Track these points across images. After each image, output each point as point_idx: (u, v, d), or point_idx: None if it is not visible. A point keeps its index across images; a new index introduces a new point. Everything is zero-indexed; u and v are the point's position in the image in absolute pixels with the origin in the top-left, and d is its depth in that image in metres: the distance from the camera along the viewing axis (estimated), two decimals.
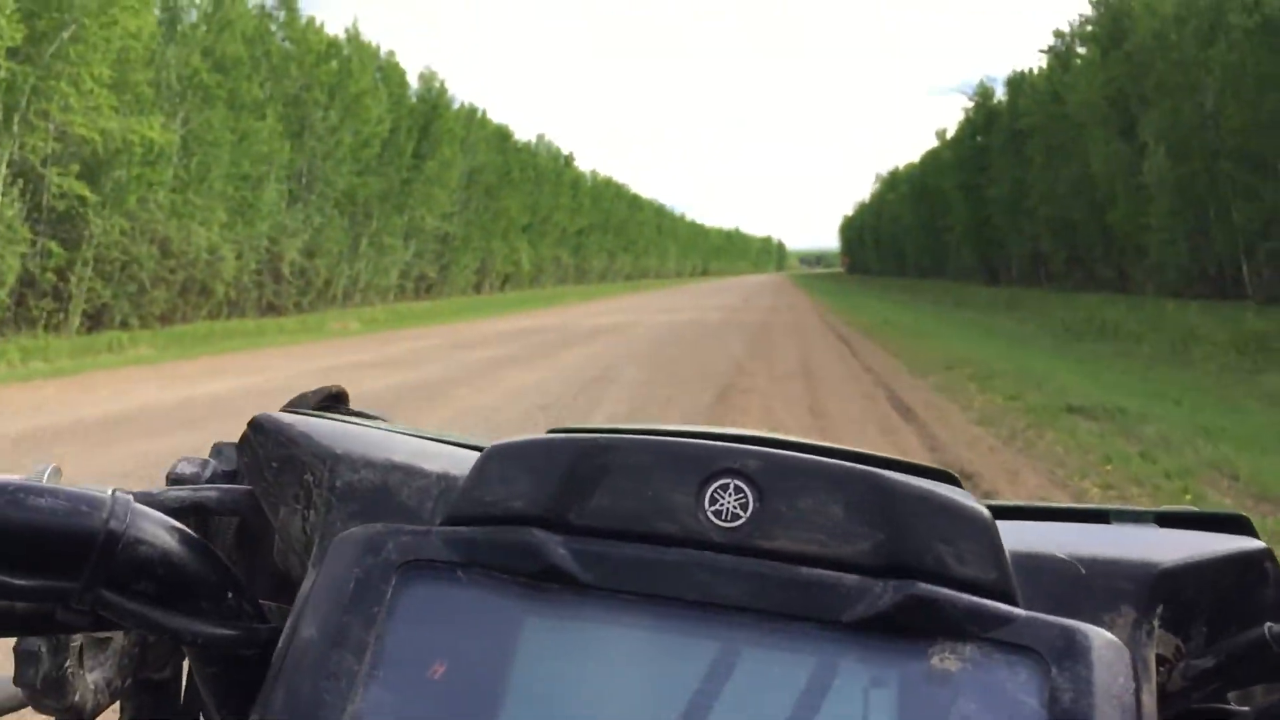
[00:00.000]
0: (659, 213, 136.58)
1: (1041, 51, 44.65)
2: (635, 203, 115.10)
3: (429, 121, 44.44)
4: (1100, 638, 0.50)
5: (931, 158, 73.45)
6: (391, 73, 42.95)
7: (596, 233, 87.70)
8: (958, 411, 9.89)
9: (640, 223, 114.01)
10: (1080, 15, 40.02)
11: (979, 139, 53.95)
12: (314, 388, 0.84)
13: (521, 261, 64.95)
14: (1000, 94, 52.90)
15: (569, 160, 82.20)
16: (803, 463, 0.55)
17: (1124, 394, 10.84)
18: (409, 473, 0.61)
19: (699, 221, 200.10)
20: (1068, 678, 0.49)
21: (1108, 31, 33.99)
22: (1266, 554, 0.57)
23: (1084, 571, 0.53)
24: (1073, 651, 0.49)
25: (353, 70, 36.76)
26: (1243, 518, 0.64)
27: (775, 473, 0.54)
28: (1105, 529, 0.64)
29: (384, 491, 0.60)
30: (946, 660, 0.50)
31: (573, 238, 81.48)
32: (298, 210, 33.66)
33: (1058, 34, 42.57)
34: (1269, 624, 0.53)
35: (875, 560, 0.52)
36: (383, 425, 0.73)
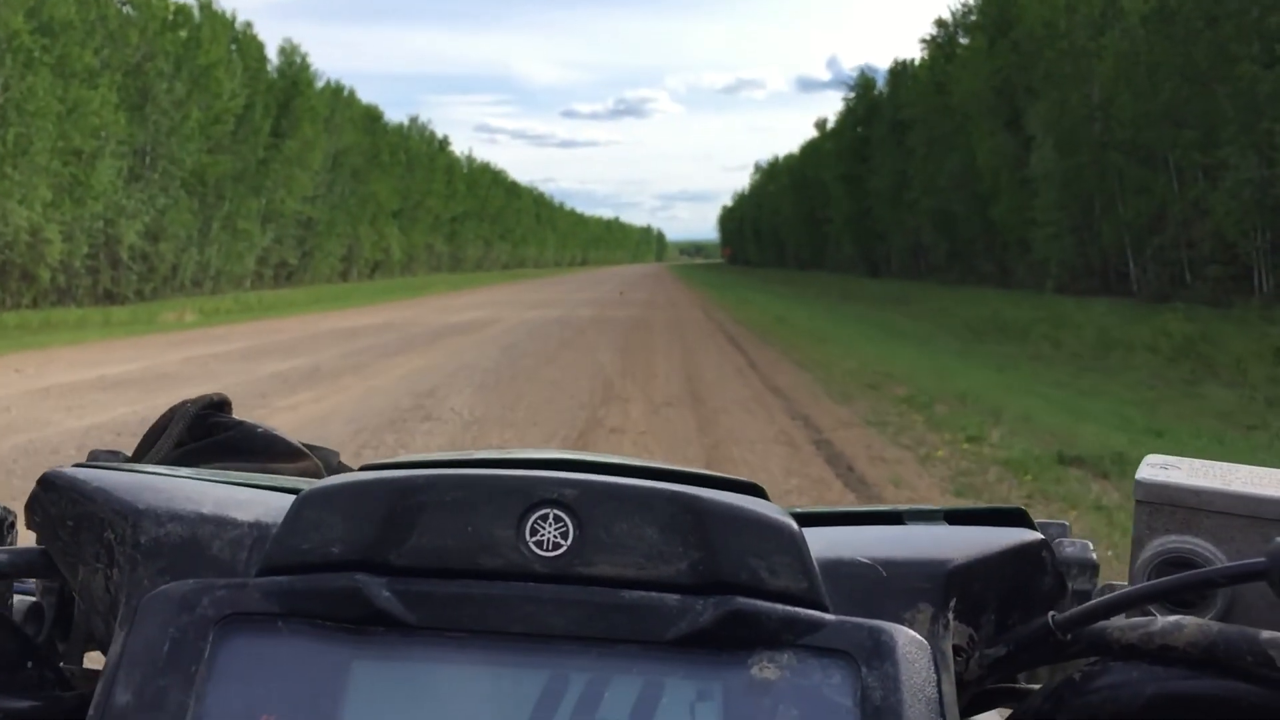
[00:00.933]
0: (538, 201, 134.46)
1: (923, 41, 44.22)
2: (513, 190, 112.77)
3: (289, 98, 41.76)
4: (903, 635, 0.54)
5: (811, 149, 73.13)
6: (248, 45, 40.11)
7: (472, 220, 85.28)
8: (922, 474, 6.84)
9: (518, 211, 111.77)
10: (964, 3, 39.44)
11: (859, 130, 53.51)
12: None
13: (391, 249, 62.43)
14: (881, 85, 52.53)
15: (444, 144, 79.63)
16: (617, 488, 0.56)
17: (1107, 425, 8.46)
18: (219, 524, 0.58)
19: (579, 211, 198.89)
20: (877, 676, 0.52)
21: (994, 20, 33.41)
22: (1043, 544, 0.62)
23: (884, 574, 0.56)
24: (880, 651, 0.53)
25: (203, 40, 34.00)
26: (1021, 511, 0.67)
27: (591, 500, 0.55)
28: (901, 530, 0.66)
29: (193, 545, 0.58)
30: (766, 669, 0.53)
31: (447, 225, 78.96)
32: (139, 190, 30.88)
33: (940, 23, 42.17)
34: (1051, 613, 0.58)
35: (693, 579, 0.54)
36: (187, 473, 0.69)
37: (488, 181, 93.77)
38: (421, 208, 68.06)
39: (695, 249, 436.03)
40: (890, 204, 46.12)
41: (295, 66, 43.65)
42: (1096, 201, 27.30)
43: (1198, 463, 0.63)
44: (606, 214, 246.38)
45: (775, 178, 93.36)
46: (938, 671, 0.53)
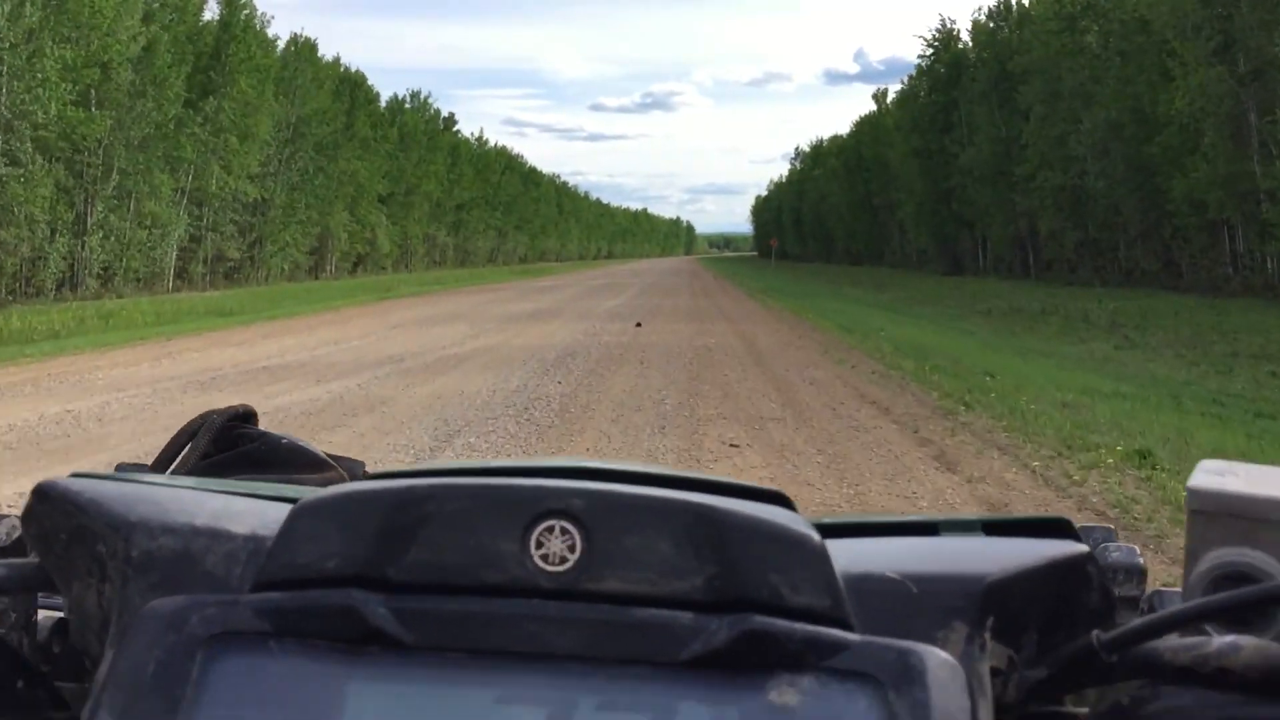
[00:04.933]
0: (560, 190, 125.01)
1: None
2: (532, 178, 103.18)
3: (220, 46, 32.74)
4: (934, 658, 0.50)
5: (868, 125, 63.29)
6: None
7: (481, 208, 75.90)
8: None
9: (536, 199, 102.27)
10: None
11: (935, 96, 43.70)
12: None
13: (378, 240, 53.29)
14: (966, 37, 42.72)
15: (449, 123, 70.27)
16: (629, 498, 0.53)
17: None
18: (213, 536, 0.56)
19: (604, 201, 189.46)
20: (905, 703, 0.49)
21: None
22: (1088, 558, 0.58)
23: (915, 590, 0.53)
24: (909, 674, 0.49)
25: None
26: (1065, 521, 0.65)
27: (601, 511, 0.52)
28: (934, 541, 0.63)
29: (186, 559, 0.55)
30: (786, 694, 0.50)
31: (451, 213, 69.74)
32: None
33: None
34: (1096, 632, 0.54)
35: (708, 595, 0.51)
36: (187, 483, 0.68)
37: (501, 166, 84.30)
38: (417, 192, 58.77)
39: (724, 242, 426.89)
40: (988, 183, 36.36)
41: (237, 7, 34.28)
42: None
43: (1255, 468, 0.58)
44: (634, 207, 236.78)
45: (821, 161, 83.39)
46: (973, 697, 0.50)
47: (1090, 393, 9.20)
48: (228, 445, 0.88)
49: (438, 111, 67.47)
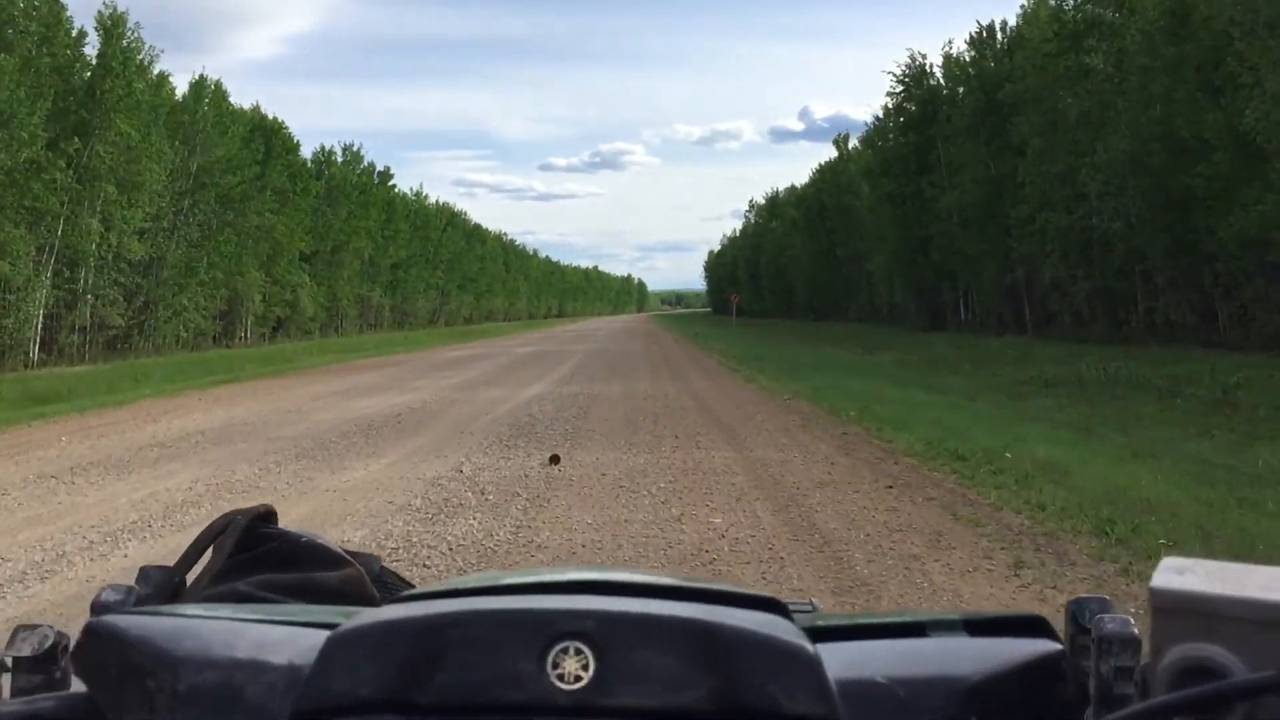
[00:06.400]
0: (507, 248, 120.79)
1: None
2: (476, 235, 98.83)
3: (95, 82, 28.27)
4: None
5: (829, 173, 59.77)
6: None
7: (420, 267, 71.34)
8: None
9: (481, 257, 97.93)
10: None
11: (908, 135, 40.03)
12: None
13: (301, 302, 48.59)
14: (938, 74, 39.18)
15: (384, 176, 65.84)
16: (634, 618, 0.57)
17: None
18: (254, 668, 0.59)
19: (554, 260, 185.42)
20: None
21: None
22: (1061, 655, 0.63)
23: (903, 694, 0.56)
24: None
25: None
26: (1040, 619, 0.68)
27: (610, 630, 0.56)
28: (919, 644, 0.66)
29: (229, 690, 0.59)
30: None
31: (387, 272, 65.11)
32: None
33: None
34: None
35: (712, 706, 0.54)
36: (225, 612, 0.71)
37: (443, 223, 79.93)
38: (346, 250, 54.16)
39: (676, 298, 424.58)
40: (976, 227, 32.53)
41: (120, 42, 29.80)
42: None
43: (1215, 565, 0.61)
44: (586, 264, 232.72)
45: (779, 213, 79.94)
46: None
47: None
48: (251, 544, 0.91)
49: (371, 165, 63.21)
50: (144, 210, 30.64)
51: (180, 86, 34.72)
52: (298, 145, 45.88)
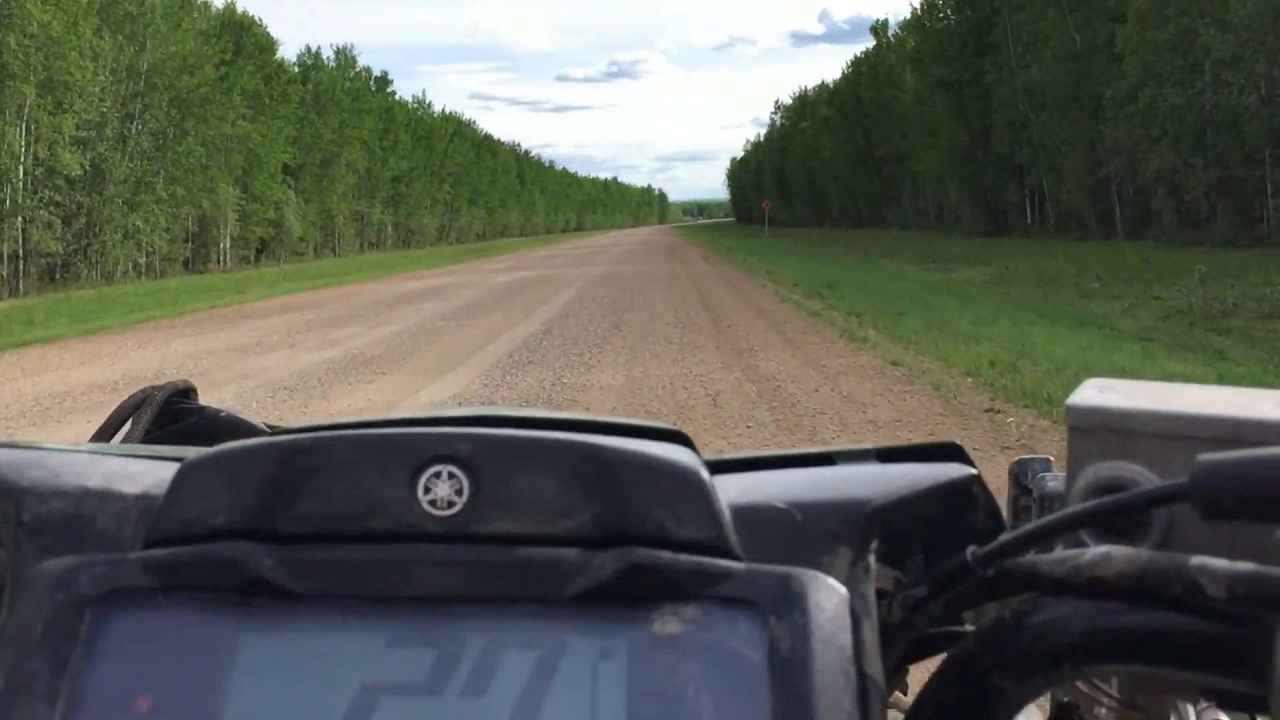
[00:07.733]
0: (521, 160, 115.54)
1: None
2: (487, 146, 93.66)
3: None
4: (815, 581, 0.51)
5: (866, 65, 54.32)
6: None
7: (425, 181, 66.55)
8: None
9: (493, 170, 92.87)
10: None
11: (966, 12, 34.82)
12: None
13: (286, 220, 44.20)
14: None
15: (382, 83, 60.84)
16: (516, 440, 0.54)
17: None
18: (105, 497, 0.56)
19: (572, 171, 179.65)
20: (785, 626, 0.50)
21: None
22: (974, 479, 0.60)
23: (800, 518, 0.54)
24: (789, 599, 0.51)
25: None
26: (955, 446, 0.65)
27: (488, 454, 0.54)
28: (827, 471, 0.63)
29: (78, 521, 0.56)
30: (669, 623, 0.51)
31: (387, 186, 60.49)
32: None
33: None
34: (971, 548, 0.55)
35: (595, 532, 0.52)
36: (84, 448, 0.66)
37: (449, 133, 74.94)
38: (337, 163, 49.51)
39: (698, 209, 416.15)
40: (1059, 111, 27.57)
41: None
42: None
43: (1138, 384, 0.59)
44: (605, 176, 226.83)
45: (808, 113, 74.37)
46: (856, 618, 0.51)
47: None
48: (168, 421, 0.89)
49: (367, 70, 58.23)
50: (78, 117, 26.19)
51: None
52: (275, 44, 40.80)
